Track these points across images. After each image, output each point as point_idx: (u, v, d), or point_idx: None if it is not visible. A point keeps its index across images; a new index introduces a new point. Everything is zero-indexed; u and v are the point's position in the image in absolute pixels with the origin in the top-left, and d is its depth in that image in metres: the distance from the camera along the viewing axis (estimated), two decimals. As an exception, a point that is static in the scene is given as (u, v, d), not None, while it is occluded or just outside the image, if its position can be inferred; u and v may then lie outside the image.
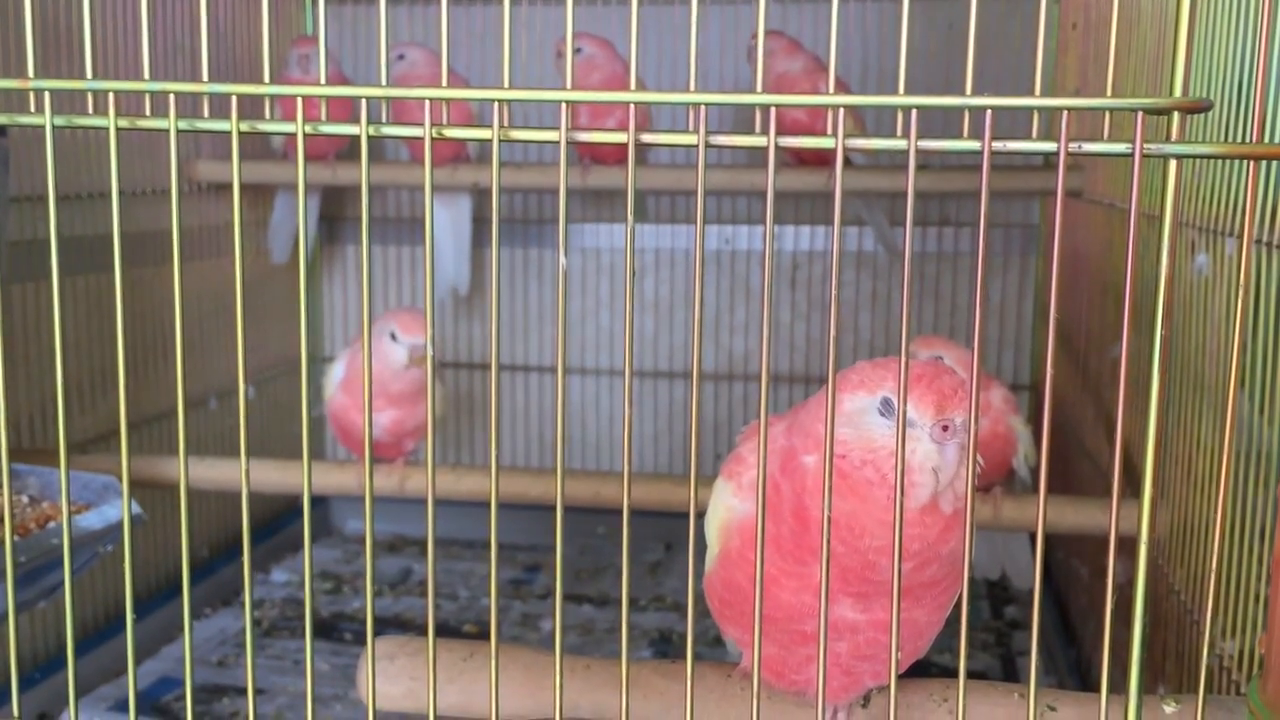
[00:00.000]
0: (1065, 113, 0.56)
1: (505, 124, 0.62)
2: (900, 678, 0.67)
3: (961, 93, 0.59)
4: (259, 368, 2.20)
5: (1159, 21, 1.40)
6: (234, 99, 0.63)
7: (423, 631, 2.09)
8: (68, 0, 1.60)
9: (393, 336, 1.48)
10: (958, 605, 0.71)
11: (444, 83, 0.61)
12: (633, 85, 0.61)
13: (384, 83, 0.63)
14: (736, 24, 2.20)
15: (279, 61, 2.08)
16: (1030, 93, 0.60)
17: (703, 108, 0.59)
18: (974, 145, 0.58)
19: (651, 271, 2.36)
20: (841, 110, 0.58)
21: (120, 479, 1.26)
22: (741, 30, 2.19)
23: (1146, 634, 0.64)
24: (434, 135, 0.62)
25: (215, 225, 2.07)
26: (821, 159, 1.87)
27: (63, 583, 1.19)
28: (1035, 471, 1.53)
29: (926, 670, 0.79)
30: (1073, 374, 1.94)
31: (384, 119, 0.65)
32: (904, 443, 0.60)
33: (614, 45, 1.95)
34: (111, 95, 0.63)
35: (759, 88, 0.63)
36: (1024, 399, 2.22)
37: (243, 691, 1.72)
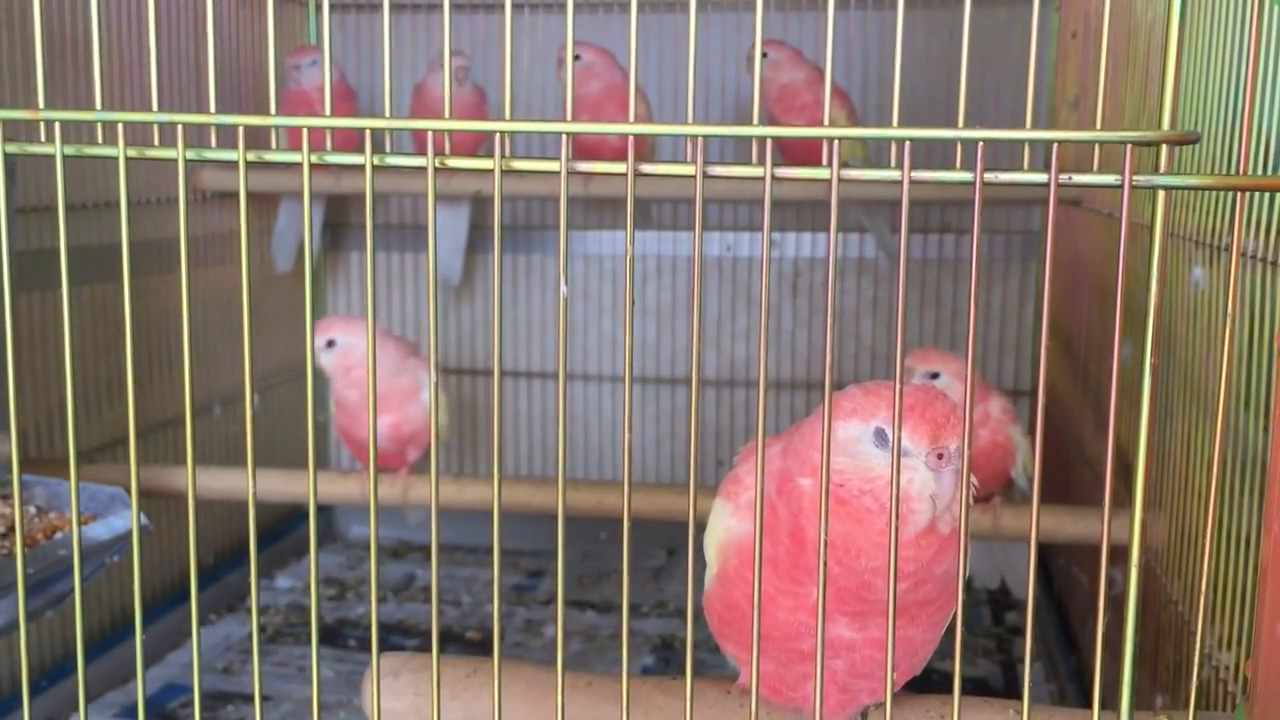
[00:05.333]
0: (1056, 145, 0.57)
1: (507, 153, 0.63)
2: (896, 694, 0.68)
3: (961, 109, 0.60)
4: (263, 375, 2.21)
5: (1156, 31, 1.40)
6: (240, 130, 0.64)
7: (427, 637, 2.10)
8: (74, 21, 1.61)
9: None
10: (954, 621, 0.72)
11: (447, 114, 0.62)
12: (632, 117, 0.62)
13: (388, 113, 0.65)
14: (738, 30, 2.21)
15: (282, 74, 2.09)
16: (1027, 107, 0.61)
17: (700, 139, 0.60)
18: (966, 176, 0.59)
19: (653, 278, 2.37)
20: (837, 143, 0.59)
21: (126, 489, 1.28)
22: (742, 36, 2.19)
23: (1138, 652, 0.66)
24: (437, 165, 0.63)
25: (219, 233, 2.08)
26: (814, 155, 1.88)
27: (68, 593, 1.21)
28: (1034, 482, 1.54)
29: (926, 677, 0.80)
30: (1073, 381, 1.95)
31: (387, 148, 0.67)
32: (899, 471, 0.61)
33: (613, 54, 1.96)
34: (120, 126, 0.64)
35: (754, 115, 0.64)
36: (1023, 406, 2.22)
37: (248, 698, 1.73)
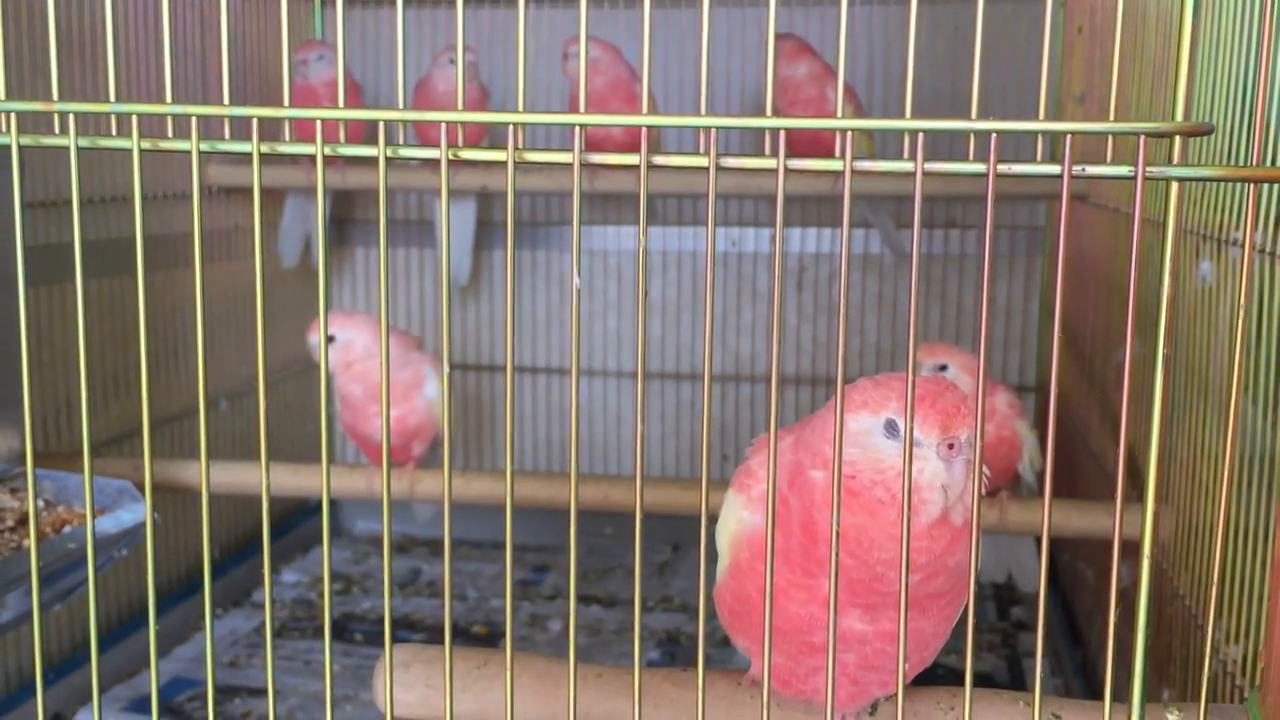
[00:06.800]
0: (1069, 137, 0.58)
1: (519, 145, 0.64)
2: (906, 687, 0.68)
3: (967, 101, 0.61)
4: (269, 370, 2.20)
5: (1164, 25, 1.40)
6: (254, 122, 0.64)
7: (433, 631, 2.11)
8: (80, 16, 1.61)
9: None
10: (964, 613, 0.72)
11: (459, 105, 0.62)
12: (644, 110, 0.62)
13: (401, 105, 0.65)
14: (744, 24, 2.21)
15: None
16: (1036, 99, 0.61)
17: (713, 131, 0.60)
18: (979, 168, 0.59)
19: (659, 273, 2.37)
20: (850, 134, 0.59)
21: (134, 483, 1.29)
22: (747, 31, 2.19)
23: (1149, 644, 0.66)
24: (450, 157, 0.63)
25: (227, 229, 2.08)
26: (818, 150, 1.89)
27: (76, 586, 1.21)
28: (1040, 476, 1.55)
29: (933, 672, 0.80)
30: (1079, 376, 1.95)
31: (400, 139, 0.67)
32: (911, 462, 0.61)
33: (619, 49, 1.96)
34: (135, 118, 0.64)
35: (768, 106, 0.64)
36: (1029, 401, 2.23)
37: (254, 692, 1.73)
